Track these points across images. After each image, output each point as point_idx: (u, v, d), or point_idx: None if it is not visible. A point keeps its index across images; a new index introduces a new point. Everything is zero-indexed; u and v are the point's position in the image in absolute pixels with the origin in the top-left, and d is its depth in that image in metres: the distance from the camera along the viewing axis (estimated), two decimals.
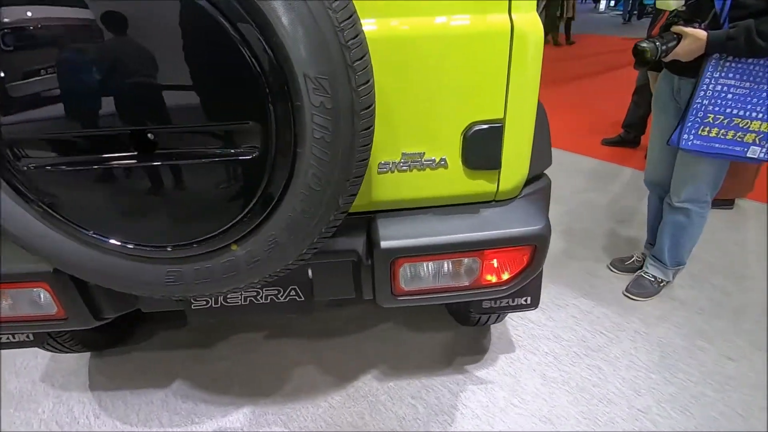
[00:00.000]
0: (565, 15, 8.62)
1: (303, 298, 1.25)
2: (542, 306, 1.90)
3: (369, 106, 0.74)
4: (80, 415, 1.54)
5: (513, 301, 1.43)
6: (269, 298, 1.25)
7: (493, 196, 1.13)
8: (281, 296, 1.24)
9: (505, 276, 1.15)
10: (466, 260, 1.11)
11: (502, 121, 1.02)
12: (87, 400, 1.60)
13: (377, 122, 0.86)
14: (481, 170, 1.06)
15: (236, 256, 0.82)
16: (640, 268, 2.11)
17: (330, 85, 0.68)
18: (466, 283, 1.15)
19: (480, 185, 1.10)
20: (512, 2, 0.93)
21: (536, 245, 1.10)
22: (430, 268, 1.11)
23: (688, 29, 1.45)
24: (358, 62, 0.69)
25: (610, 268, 2.19)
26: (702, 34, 1.42)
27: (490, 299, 1.37)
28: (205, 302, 1.24)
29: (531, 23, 0.95)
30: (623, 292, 2.04)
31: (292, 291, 1.24)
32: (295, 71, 0.67)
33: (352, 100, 0.70)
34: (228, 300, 1.25)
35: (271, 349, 1.78)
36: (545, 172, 1.27)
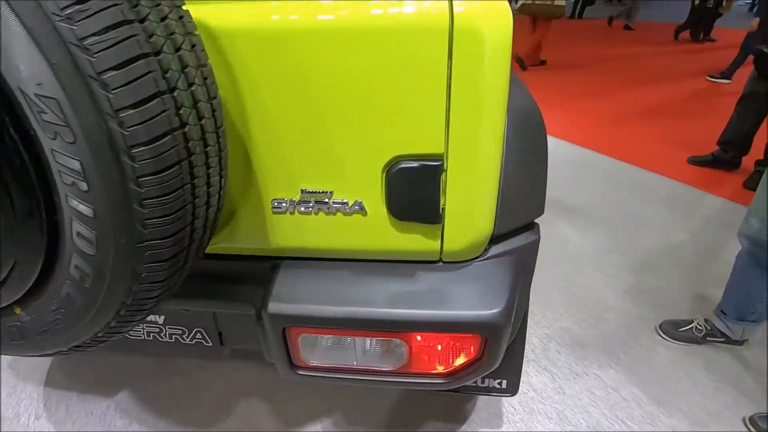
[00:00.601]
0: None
1: (211, 344, 1.04)
2: (553, 369, 1.53)
3: (157, 137, 0.48)
4: (24, 412, 1.50)
5: (482, 382, 1.09)
6: (174, 337, 1.05)
7: (438, 256, 0.81)
8: (186, 337, 1.04)
9: (443, 368, 0.83)
10: (384, 341, 0.81)
11: (441, 157, 0.70)
12: (37, 397, 1.55)
13: (264, 146, 0.62)
14: (414, 223, 0.75)
15: (22, 321, 0.62)
16: (698, 340, 1.61)
17: (62, 108, 0.43)
18: (391, 368, 0.85)
19: (414, 241, 0.79)
20: None
21: (485, 336, 0.77)
22: (340, 342, 0.83)
23: None
24: (113, 74, 0.43)
25: (658, 332, 1.71)
26: None
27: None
28: None
29: (487, 15, 0.61)
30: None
31: (198, 334, 1.03)
32: (9, 85, 0.42)
33: (110, 131, 0.45)
34: (130, 333, 1.07)
35: (227, 370, 1.61)
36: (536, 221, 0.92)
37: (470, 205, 0.75)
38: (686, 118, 4.14)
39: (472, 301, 0.77)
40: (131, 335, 1.08)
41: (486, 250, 0.85)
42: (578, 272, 2.06)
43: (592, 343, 1.68)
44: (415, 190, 0.71)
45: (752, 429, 1.52)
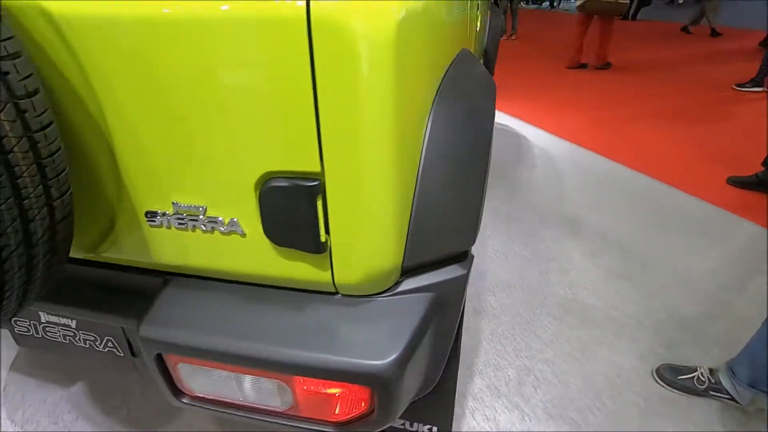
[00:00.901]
0: None
1: (122, 354, 0.98)
2: (525, 408, 1.38)
3: None
4: None
5: (411, 426, 0.97)
6: (87, 343, 1.00)
7: (332, 287, 0.70)
8: (99, 345, 0.99)
9: (334, 418, 0.72)
10: (268, 380, 0.71)
11: (318, 176, 0.58)
12: None
13: (131, 154, 0.57)
14: (294, 249, 0.64)
15: None
16: (698, 392, 1.40)
17: None
18: (280, 409, 0.75)
19: (301, 270, 0.68)
20: None
21: (373, 389, 0.65)
22: (222, 376, 0.74)
23: None
24: None
25: (654, 376, 1.51)
26: None
27: None
28: (25, 328, 1.05)
29: (356, 8, 0.49)
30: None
31: (109, 342, 0.97)
32: None
33: None
34: (48, 332, 1.03)
35: None
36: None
37: (362, 233, 0.63)
38: (733, 132, 3.74)
39: (362, 346, 0.65)
40: (50, 336, 1.04)
41: (397, 284, 0.73)
42: (576, 299, 1.87)
43: (575, 382, 1.50)
44: (289, 213, 0.60)
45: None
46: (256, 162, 0.59)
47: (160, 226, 0.69)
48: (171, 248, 0.71)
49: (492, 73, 3.06)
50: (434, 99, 0.74)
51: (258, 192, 0.61)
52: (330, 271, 0.67)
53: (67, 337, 1.01)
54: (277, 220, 0.61)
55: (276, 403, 0.74)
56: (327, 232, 0.63)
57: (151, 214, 0.68)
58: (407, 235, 0.69)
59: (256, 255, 0.67)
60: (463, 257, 0.78)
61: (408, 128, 0.61)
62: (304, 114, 0.54)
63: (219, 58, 0.53)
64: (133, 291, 0.83)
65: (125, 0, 0.53)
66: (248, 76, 0.53)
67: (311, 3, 0.48)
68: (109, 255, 0.78)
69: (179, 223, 0.67)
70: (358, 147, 0.56)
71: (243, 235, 0.66)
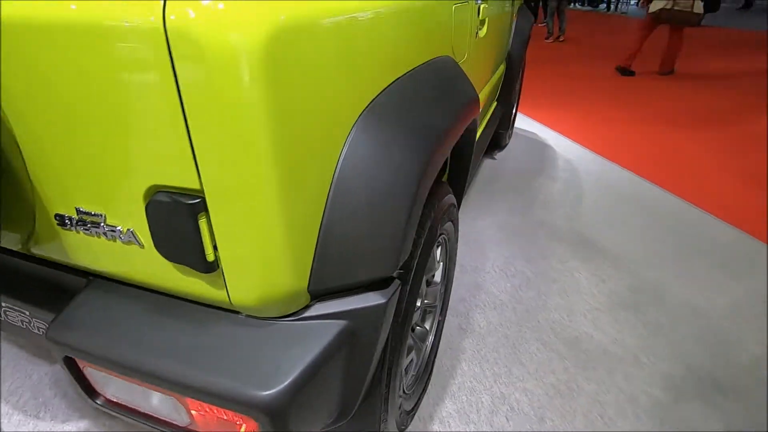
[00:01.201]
0: None
1: None
2: None
3: None
4: None
5: None
6: (41, 330, 1.03)
7: (230, 306, 0.67)
8: None
9: None
10: (162, 395, 0.69)
11: (200, 193, 0.56)
12: None
13: (35, 156, 0.57)
14: (183, 265, 0.62)
15: None
16: None
17: None
18: (183, 425, 0.73)
19: (199, 287, 0.65)
20: None
21: (256, 420, 0.62)
22: (126, 384, 0.73)
23: None
24: None
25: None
26: None
27: None
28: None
29: (216, 15, 0.46)
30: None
31: None
32: None
33: None
34: (9, 316, 1.07)
35: None
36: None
37: (252, 254, 0.60)
38: None
39: (250, 372, 0.62)
40: (12, 320, 1.08)
41: (307, 307, 0.69)
42: (571, 326, 1.75)
43: (552, 418, 1.40)
44: (173, 229, 0.58)
45: None
46: (142, 175, 0.57)
47: (69, 229, 0.68)
48: (82, 252, 0.71)
49: (517, 79, 2.93)
50: (359, 116, 0.69)
51: (146, 203, 0.59)
52: (225, 290, 0.64)
53: (24, 323, 1.05)
54: (163, 235, 0.59)
55: (177, 418, 0.72)
56: (216, 250, 0.60)
57: (59, 218, 0.68)
58: (313, 257, 0.65)
59: (154, 267, 0.65)
60: (383, 285, 0.73)
61: (302, 148, 0.57)
62: (176, 128, 0.51)
63: (92, 67, 0.51)
64: (64, 288, 0.84)
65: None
66: (123, 86, 0.51)
67: (167, 11, 0.45)
68: (38, 252, 0.79)
69: (84, 229, 0.67)
70: (235, 165, 0.53)
71: (141, 246, 0.64)
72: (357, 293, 0.71)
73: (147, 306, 0.72)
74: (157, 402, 0.73)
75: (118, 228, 0.64)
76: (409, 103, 0.79)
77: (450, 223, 1.28)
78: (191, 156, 0.53)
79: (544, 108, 4.43)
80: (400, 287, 0.76)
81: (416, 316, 1.30)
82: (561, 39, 8.62)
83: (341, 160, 0.66)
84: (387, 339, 0.82)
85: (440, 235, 1.23)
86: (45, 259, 0.82)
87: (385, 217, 0.69)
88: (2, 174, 0.66)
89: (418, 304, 1.18)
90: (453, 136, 0.90)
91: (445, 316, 1.63)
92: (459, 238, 2.29)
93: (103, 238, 0.66)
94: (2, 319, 1.07)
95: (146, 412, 0.76)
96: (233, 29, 0.46)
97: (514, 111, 3.53)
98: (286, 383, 0.61)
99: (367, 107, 0.70)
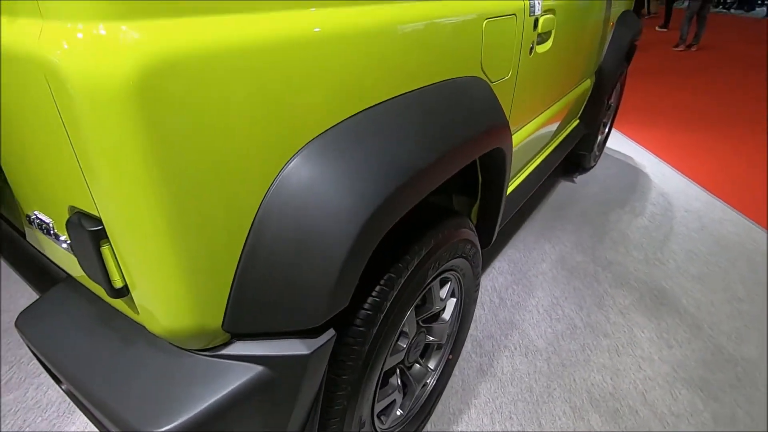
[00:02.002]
0: None
1: None
2: None
3: None
4: None
5: None
6: None
7: (155, 333, 0.66)
8: None
9: None
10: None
11: (99, 220, 0.55)
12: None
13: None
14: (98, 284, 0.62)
15: None
16: None
17: None
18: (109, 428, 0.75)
19: (122, 306, 0.66)
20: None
21: None
22: None
23: None
24: None
25: None
26: None
27: None
28: None
29: (99, 52, 0.43)
30: None
31: None
32: None
33: None
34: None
35: None
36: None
37: (154, 287, 0.57)
38: None
39: (148, 404, 0.60)
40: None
41: (226, 344, 0.66)
42: (614, 395, 1.49)
43: None
44: (82, 251, 0.58)
45: None
46: (63, 194, 0.58)
47: (35, 229, 0.73)
48: (49, 250, 0.76)
49: (609, 96, 2.58)
50: (299, 150, 0.62)
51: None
52: (137, 315, 0.63)
53: None
54: (79, 254, 0.60)
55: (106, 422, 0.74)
56: (122, 276, 0.59)
57: (27, 218, 0.72)
58: (228, 297, 0.61)
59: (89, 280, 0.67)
60: (313, 333, 0.67)
61: (199, 184, 0.52)
62: (65, 151, 0.50)
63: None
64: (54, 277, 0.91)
65: None
66: (24, 107, 0.52)
67: (42, 35, 0.44)
68: (32, 242, 0.86)
69: (43, 231, 0.71)
70: (120, 198, 0.50)
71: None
72: (282, 338, 0.66)
73: (97, 312, 0.75)
74: (98, 414, 0.75)
75: (62, 237, 0.66)
76: (376, 135, 0.71)
77: (462, 259, 1.16)
78: (84, 183, 0.52)
79: (648, 128, 3.88)
80: (334, 337, 0.69)
81: (415, 355, 1.20)
82: (693, 48, 7.50)
83: (268, 196, 0.60)
84: (323, 386, 0.75)
85: (444, 272, 1.12)
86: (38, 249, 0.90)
87: (312, 263, 0.62)
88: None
89: (404, 345, 1.08)
90: (435, 173, 0.80)
91: (458, 356, 1.49)
92: (508, 268, 2.10)
93: (56, 245, 0.70)
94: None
95: (87, 408, 0.79)
96: (102, 61, 0.43)
97: (606, 131, 3.14)
98: (175, 423, 0.58)
99: (313, 140, 0.64)
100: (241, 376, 0.63)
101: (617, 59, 2.45)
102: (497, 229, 1.43)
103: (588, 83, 2.34)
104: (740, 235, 2.38)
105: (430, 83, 0.85)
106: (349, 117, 0.68)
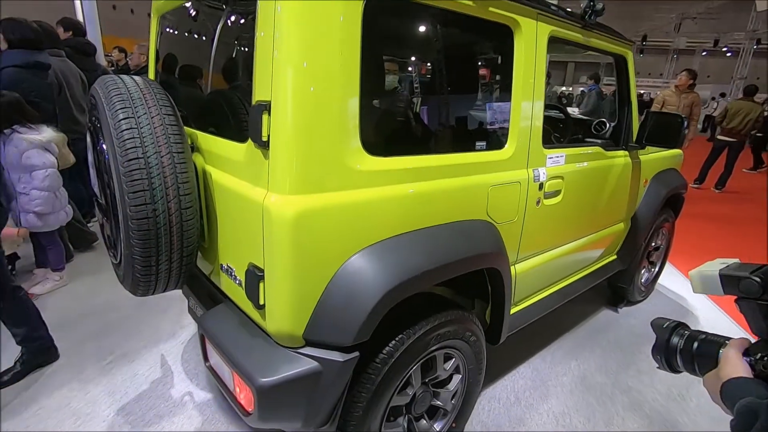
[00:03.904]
0: None
1: None
2: None
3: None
4: None
5: None
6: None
7: (270, 334, 1.26)
8: None
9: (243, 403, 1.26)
10: (229, 372, 1.31)
11: (263, 270, 1.21)
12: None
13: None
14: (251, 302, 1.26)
15: None
16: None
17: None
18: (234, 394, 1.33)
19: (256, 317, 1.30)
20: None
21: (252, 392, 1.17)
22: (219, 359, 1.39)
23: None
24: None
25: None
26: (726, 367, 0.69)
27: None
28: None
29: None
30: None
31: None
32: None
33: None
34: (193, 309, 1.92)
35: None
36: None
37: (276, 308, 1.19)
38: None
39: (260, 368, 1.19)
40: (193, 311, 1.92)
41: (303, 346, 1.24)
42: None
43: None
44: (250, 285, 1.23)
45: None
46: (247, 253, 1.26)
47: (223, 272, 1.43)
48: (225, 284, 1.45)
49: (645, 239, 2.92)
50: (361, 249, 1.24)
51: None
52: (264, 323, 1.25)
53: (197, 314, 1.88)
54: (248, 287, 1.25)
55: (231, 389, 1.32)
56: (265, 299, 1.22)
57: (221, 266, 1.43)
58: (309, 320, 1.21)
59: (246, 303, 1.32)
60: (348, 351, 1.22)
61: (313, 258, 1.17)
62: (259, 237, 1.18)
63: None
64: (217, 300, 1.60)
65: None
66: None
67: (266, 198, 1.15)
68: (213, 279, 1.58)
69: (227, 274, 1.39)
70: (274, 263, 1.15)
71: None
72: (330, 349, 1.22)
73: (240, 320, 1.39)
74: (227, 376, 1.35)
75: (238, 277, 1.33)
76: (400, 250, 1.30)
77: (464, 343, 1.62)
78: (261, 249, 1.18)
79: None
80: (357, 357, 1.23)
81: (421, 408, 1.63)
82: None
83: (343, 267, 1.21)
84: (347, 390, 1.27)
85: (446, 347, 1.59)
86: (213, 282, 1.60)
87: (353, 309, 1.20)
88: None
89: (410, 392, 1.54)
90: (436, 274, 1.35)
91: (463, 428, 1.85)
92: (531, 374, 2.39)
93: (231, 280, 1.38)
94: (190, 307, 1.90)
95: (223, 380, 1.38)
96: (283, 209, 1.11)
97: (655, 269, 3.37)
98: (270, 378, 1.15)
99: (367, 246, 1.26)
100: (305, 365, 1.19)
101: (652, 209, 2.84)
102: (504, 330, 1.86)
103: (621, 227, 2.75)
104: None
105: (443, 222, 1.45)
106: (386, 239, 1.29)
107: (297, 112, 1.07)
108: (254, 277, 1.21)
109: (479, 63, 1.71)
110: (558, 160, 1.93)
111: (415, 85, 1.46)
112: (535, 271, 2.06)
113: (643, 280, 3.25)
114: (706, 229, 5.22)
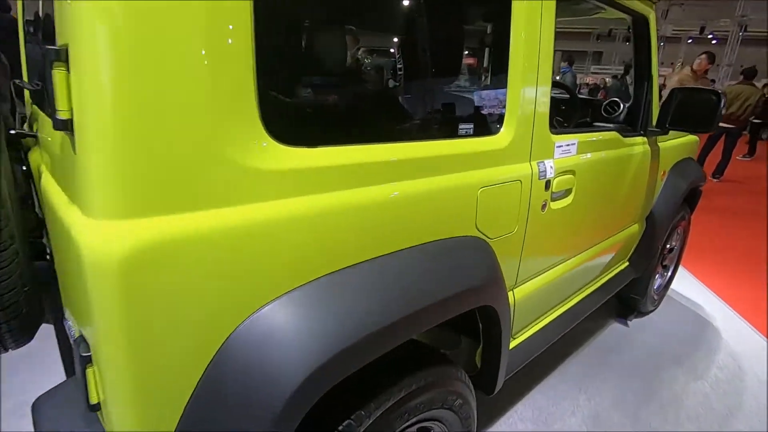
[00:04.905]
0: None
1: None
2: None
3: None
4: None
5: None
6: None
7: None
8: None
9: None
10: None
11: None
12: None
13: None
14: None
15: None
16: None
17: None
18: None
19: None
20: None
21: None
22: None
23: None
24: None
25: None
26: None
27: None
28: None
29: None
30: None
31: None
32: None
33: None
34: None
35: None
36: None
37: (116, 408, 0.69)
38: None
39: None
40: None
41: None
42: None
43: None
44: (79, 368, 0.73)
45: None
46: (78, 317, 0.75)
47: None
48: None
49: (662, 241, 2.47)
50: (255, 311, 0.74)
51: None
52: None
53: None
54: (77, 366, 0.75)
55: None
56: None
57: (62, 312, 0.92)
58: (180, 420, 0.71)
59: None
60: None
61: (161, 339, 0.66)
62: (84, 291, 0.68)
63: None
64: None
65: None
66: None
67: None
68: None
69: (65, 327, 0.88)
70: (101, 331, 0.65)
71: None
72: None
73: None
74: None
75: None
76: (340, 293, 0.81)
77: (448, 411, 1.15)
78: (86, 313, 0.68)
79: (731, 277, 3.53)
80: None
81: None
82: None
83: (235, 333, 0.72)
84: None
85: (421, 422, 1.11)
86: None
87: (252, 405, 0.70)
88: None
89: None
90: (395, 331, 0.86)
91: None
92: (531, 416, 1.94)
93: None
94: None
95: None
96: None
97: (668, 274, 2.94)
98: None
99: (279, 296, 0.76)
100: None
101: (671, 206, 2.39)
102: (501, 375, 1.39)
103: (636, 228, 2.30)
104: None
105: (410, 246, 0.96)
106: (313, 280, 0.80)
107: (126, 61, 0.56)
108: (81, 360, 0.71)
109: (463, 10, 1.20)
110: (569, 150, 1.45)
111: (361, 33, 0.95)
112: (538, 294, 1.59)
113: (655, 287, 2.81)
114: (712, 223, 4.83)
